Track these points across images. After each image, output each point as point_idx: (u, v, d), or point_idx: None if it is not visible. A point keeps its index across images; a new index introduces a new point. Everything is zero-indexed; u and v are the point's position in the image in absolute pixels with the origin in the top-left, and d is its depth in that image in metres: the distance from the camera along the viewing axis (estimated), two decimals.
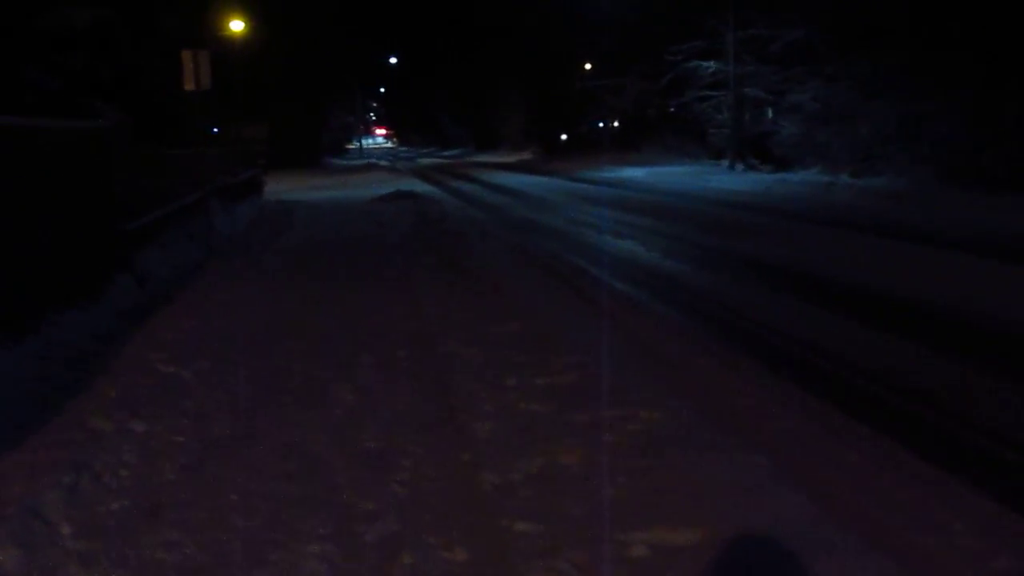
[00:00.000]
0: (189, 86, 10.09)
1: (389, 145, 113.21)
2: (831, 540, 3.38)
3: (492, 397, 5.20)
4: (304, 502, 3.86)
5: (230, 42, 30.28)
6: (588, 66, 47.36)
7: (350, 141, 78.83)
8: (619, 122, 46.50)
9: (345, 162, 53.71)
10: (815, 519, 3.58)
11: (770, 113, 32.01)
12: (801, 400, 5.34)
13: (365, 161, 53.64)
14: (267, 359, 6.27)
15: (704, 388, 5.61)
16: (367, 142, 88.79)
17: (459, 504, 3.86)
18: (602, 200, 21.25)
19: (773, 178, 26.70)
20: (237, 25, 30.45)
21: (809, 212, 17.24)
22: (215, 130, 33.39)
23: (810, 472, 4.21)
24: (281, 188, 28.25)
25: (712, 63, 33.61)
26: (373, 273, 10.22)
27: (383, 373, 5.86)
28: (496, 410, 4.99)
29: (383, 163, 52.37)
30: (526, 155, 54.71)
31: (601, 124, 48.80)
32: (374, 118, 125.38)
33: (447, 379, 5.66)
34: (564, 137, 52.97)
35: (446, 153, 75.44)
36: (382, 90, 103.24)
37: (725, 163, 33.13)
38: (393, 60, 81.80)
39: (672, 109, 37.51)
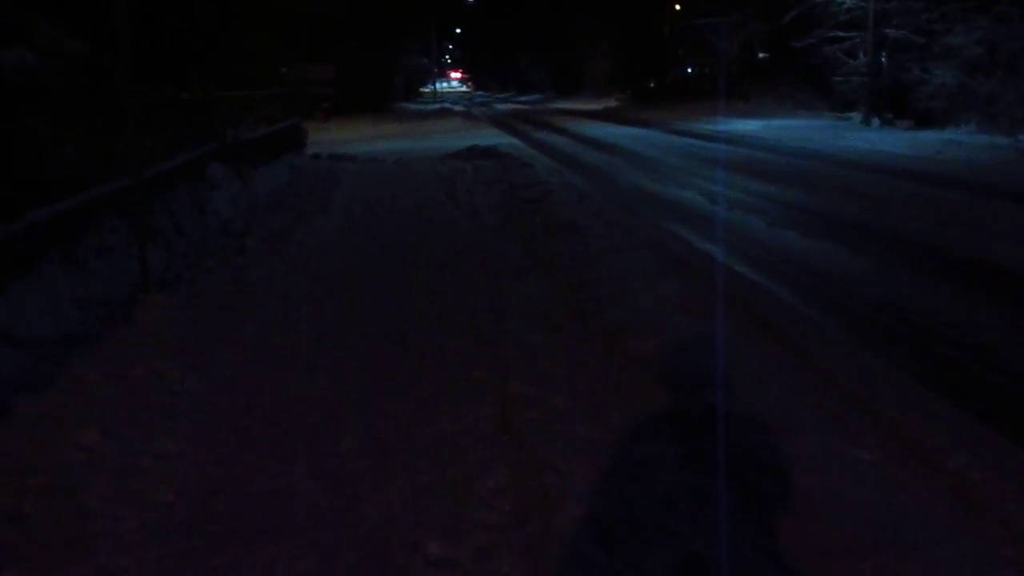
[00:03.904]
0: None
1: (464, 89, 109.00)
2: None
3: None
4: None
5: None
6: (678, 7, 42.56)
7: (424, 84, 74.89)
8: (723, 67, 41.34)
9: (417, 107, 49.97)
10: None
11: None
12: None
13: (439, 106, 49.69)
14: None
15: None
16: (441, 86, 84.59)
17: None
18: (732, 164, 16.57)
19: (933, 137, 21.67)
20: None
21: None
22: (282, 70, 29.52)
23: None
24: (341, 137, 24.58)
25: None
26: (438, 333, 5.57)
27: None
28: None
29: (458, 108, 48.37)
30: (611, 102, 50.23)
31: (690, 70, 44.14)
32: (449, 61, 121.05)
33: None
34: (651, 84, 48.14)
35: (524, 98, 70.70)
36: (458, 31, 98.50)
37: (854, 116, 28.60)
38: None
39: (791, 52, 32.31)
